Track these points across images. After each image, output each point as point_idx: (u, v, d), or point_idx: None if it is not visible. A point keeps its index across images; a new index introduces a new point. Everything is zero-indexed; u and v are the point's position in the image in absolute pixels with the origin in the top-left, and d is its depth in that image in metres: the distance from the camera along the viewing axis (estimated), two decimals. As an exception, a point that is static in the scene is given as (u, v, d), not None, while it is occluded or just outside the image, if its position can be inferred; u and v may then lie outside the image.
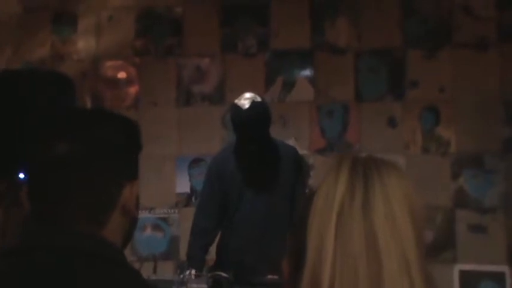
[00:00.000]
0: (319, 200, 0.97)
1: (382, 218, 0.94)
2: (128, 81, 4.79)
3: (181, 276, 3.14)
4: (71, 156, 1.09)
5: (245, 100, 3.23)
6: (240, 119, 3.23)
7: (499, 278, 4.15)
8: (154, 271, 3.39)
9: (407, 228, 0.95)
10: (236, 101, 3.26)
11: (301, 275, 0.95)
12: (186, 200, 4.59)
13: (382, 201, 0.95)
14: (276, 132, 3.67)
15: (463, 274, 4.17)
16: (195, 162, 4.59)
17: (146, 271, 3.19)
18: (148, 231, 4.58)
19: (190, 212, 3.85)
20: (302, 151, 4.15)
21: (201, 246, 3.40)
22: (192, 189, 4.58)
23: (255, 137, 3.28)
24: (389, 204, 0.95)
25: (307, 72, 4.59)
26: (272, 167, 3.41)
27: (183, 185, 4.61)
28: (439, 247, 4.18)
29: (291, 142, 4.00)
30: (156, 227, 4.59)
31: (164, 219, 4.59)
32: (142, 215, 4.41)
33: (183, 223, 4.34)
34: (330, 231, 0.94)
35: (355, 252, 0.93)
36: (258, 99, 3.26)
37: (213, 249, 3.47)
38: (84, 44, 4.86)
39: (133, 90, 4.78)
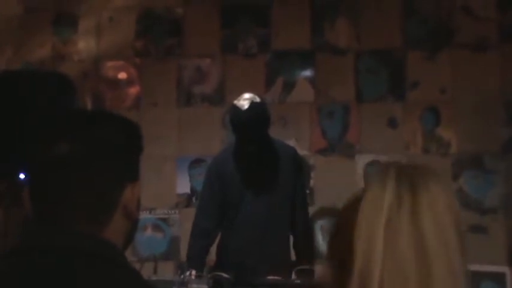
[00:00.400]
0: (366, 208, 1.00)
1: (430, 224, 0.97)
2: (129, 82, 4.79)
3: (182, 276, 3.13)
4: (71, 157, 1.09)
5: (244, 101, 3.22)
6: (239, 120, 3.22)
7: (499, 278, 4.14)
8: (155, 272, 3.38)
9: (453, 235, 0.99)
10: (235, 101, 3.26)
11: (346, 282, 0.97)
12: (186, 200, 4.59)
13: (429, 208, 0.99)
14: (276, 133, 3.67)
15: (464, 275, 4.17)
16: (196, 162, 4.59)
17: (146, 271, 3.18)
18: (149, 232, 4.57)
19: (190, 212, 3.85)
20: (303, 152, 4.15)
21: (202, 247, 3.40)
22: (192, 189, 4.57)
23: (254, 137, 3.27)
24: (436, 211, 0.99)
25: (307, 73, 4.58)
26: (271, 168, 3.40)
27: (183, 186, 4.60)
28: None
29: (291, 143, 3.99)
30: (156, 228, 4.59)
31: (164, 220, 4.59)
32: (143, 215, 4.40)
33: (184, 224, 4.34)
34: (379, 237, 0.96)
35: (405, 257, 0.95)
36: (257, 99, 3.26)
37: (213, 250, 3.47)
38: (84, 45, 4.86)
39: (133, 90, 4.78)
